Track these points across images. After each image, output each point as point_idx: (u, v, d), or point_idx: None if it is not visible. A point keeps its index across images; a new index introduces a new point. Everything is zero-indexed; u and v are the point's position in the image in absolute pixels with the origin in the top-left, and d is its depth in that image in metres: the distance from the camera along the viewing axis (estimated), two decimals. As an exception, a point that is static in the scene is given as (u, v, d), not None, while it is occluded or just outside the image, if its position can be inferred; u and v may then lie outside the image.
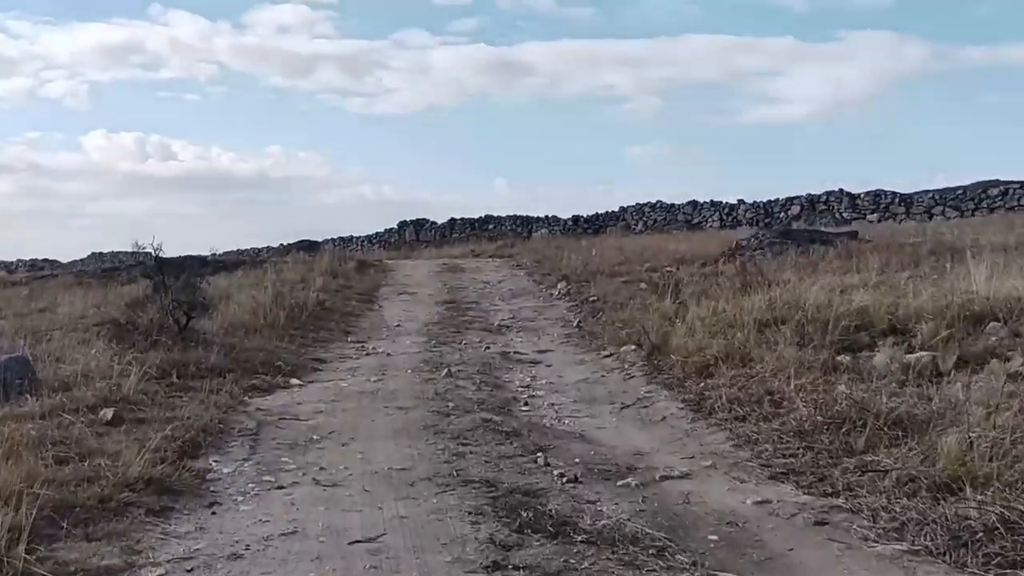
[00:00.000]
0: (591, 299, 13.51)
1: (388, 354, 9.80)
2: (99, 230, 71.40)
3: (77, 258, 52.13)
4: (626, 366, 8.73)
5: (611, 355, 9.34)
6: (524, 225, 35.11)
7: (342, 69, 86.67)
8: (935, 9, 74.25)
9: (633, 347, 9.31)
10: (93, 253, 53.26)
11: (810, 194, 27.89)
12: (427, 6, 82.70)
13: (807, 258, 13.67)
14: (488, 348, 10.02)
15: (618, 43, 78.57)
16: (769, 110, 76.90)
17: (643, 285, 13.87)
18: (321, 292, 13.78)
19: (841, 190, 27.14)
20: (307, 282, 16.38)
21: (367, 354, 9.92)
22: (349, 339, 10.98)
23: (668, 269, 15.13)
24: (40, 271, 44.17)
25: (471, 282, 17.71)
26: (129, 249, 45.95)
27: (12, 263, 51.88)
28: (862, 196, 26.61)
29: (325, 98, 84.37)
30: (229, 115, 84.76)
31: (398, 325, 12.33)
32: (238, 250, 44.74)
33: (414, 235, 37.04)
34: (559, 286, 15.81)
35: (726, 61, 78.90)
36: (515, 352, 9.94)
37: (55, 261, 52.64)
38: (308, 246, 36.42)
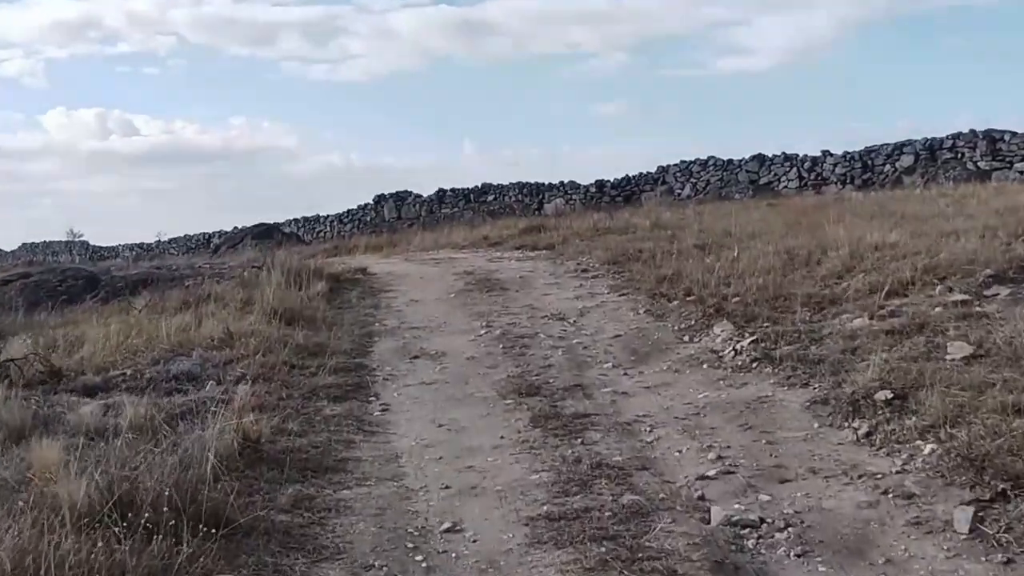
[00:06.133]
0: (882, 402, 5.55)
1: None
2: (64, 209, 63.18)
3: (13, 248, 43.61)
4: None
5: None
6: (533, 195, 26.69)
7: (304, 36, 78.09)
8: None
9: None
10: (24, 244, 44.56)
11: (928, 139, 19.96)
12: (388, -32, 73.81)
13: None
14: None
15: (581, -1, 70.79)
16: (736, 61, 69.77)
17: (963, 351, 5.99)
18: (251, 408, 5.67)
19: (973, 131, 19.23)
20: (235, 341, 8.33)
21: None
22: None
23: (959, 298, 7.23)
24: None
25: (531, 317, 9.63)
26: (64, 238, 36.36)
27: (-57, 258, 42.91)
28: (1007, 138, 18.76)
29: (288, 66, 76.16)
30: (191, 88, 77.15)
31: (463, 535, 4.34)
32: (185, 236, 36.36)
33: (395, 212, 28.53)
34: (721, 333, 7.83)
35: (691, 13, 71.39)
36: None
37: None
38: (265, 232, 27.98)
